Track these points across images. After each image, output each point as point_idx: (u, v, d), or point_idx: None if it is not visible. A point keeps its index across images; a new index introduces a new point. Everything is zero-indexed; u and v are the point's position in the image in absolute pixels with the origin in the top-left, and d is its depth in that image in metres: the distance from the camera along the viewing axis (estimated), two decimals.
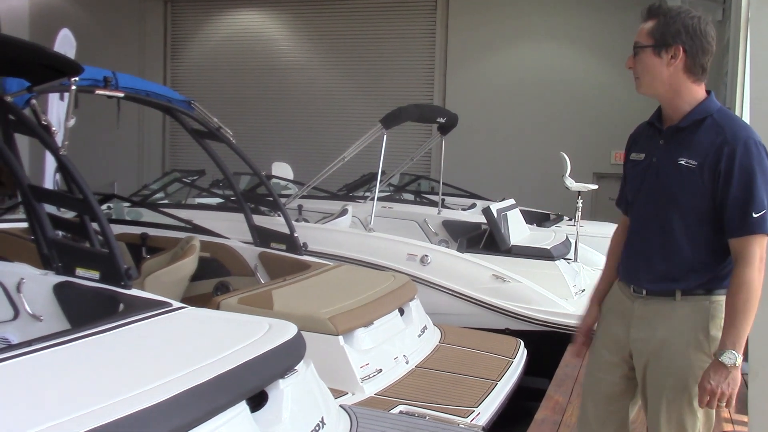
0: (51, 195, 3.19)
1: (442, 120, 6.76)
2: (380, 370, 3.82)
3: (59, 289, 3.11)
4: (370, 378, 3.74)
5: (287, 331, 2.64)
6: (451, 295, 5.48)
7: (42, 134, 3.14)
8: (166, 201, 7.44)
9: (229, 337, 2.56)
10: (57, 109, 6.66)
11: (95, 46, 11.93)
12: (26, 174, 3.25)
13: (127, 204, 6.18)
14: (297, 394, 2.47)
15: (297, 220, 7.53)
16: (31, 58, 2.90)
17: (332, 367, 3.67)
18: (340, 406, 2.91)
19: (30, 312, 3.18)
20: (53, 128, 3.66)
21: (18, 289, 3.20)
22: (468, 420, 3.45)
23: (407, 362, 4.11)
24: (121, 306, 2.93)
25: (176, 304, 2.96)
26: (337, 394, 3.59)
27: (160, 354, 2.39)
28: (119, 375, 2.15)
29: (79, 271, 3.16)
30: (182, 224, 5.51)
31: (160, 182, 8.15)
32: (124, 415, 1.78)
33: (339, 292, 4.33)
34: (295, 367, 2.52)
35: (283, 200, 6.22)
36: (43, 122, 3.57)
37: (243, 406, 2.21)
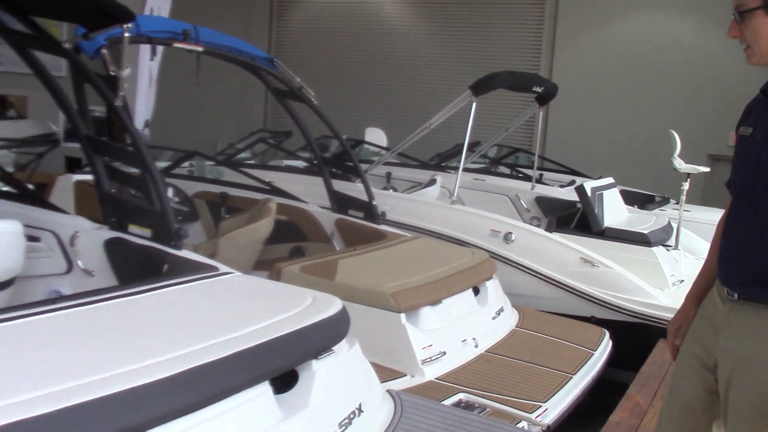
0: (106, 147, 3.08)
1: (538, 89, 6.34)
2: (444, 353, 3.57)
3: (110, 245, 3.02)
4: (432, 360, 3.50)
5: (330, 306, 2.42)
6: (535, 276, 5.14)
7: (97, 82, 3.03)
8: (252, 161, 7.38)
9: (265, 309, 2.37)
10: (147, 64, 6.68)
11: (199, 3, 11.98)
12: (86, 124, 3.17)
13: (210, 162, 6.14)
14: (332, 377, 2.25)
15: (385, 188, 7.37)
16: (85, 3, 2.78)
17: (392, 346, 3.47)
18: (388, 391, 2.69)
19: (82, 267, 3.11)
20: (122, 80, 3.56)
21: (72, 242, 3.14)
22: (533, 416, 3.15)
23: (476, 346, 3.84)
24: (166, 267, 2.81)
25: (223, 268, 2.80)
26: (395, 375, 3.39)
27: (188, 322, 2.23)
28: (136, 341, 2.00)
29: (132, 228, 3.06)
30: (261, 185, 5.41)
31: (246, 142, 8.10)
32: (116, 391, 1.61)
33: (410, 266, 4.10)
34: (333, 348, 2.31)
35: (366, 166, 6.03)
36: (111, 72, 3.47)
37: (265, 387, 2.01)
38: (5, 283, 3.00)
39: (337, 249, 4.92)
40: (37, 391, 1.56)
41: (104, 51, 3.59)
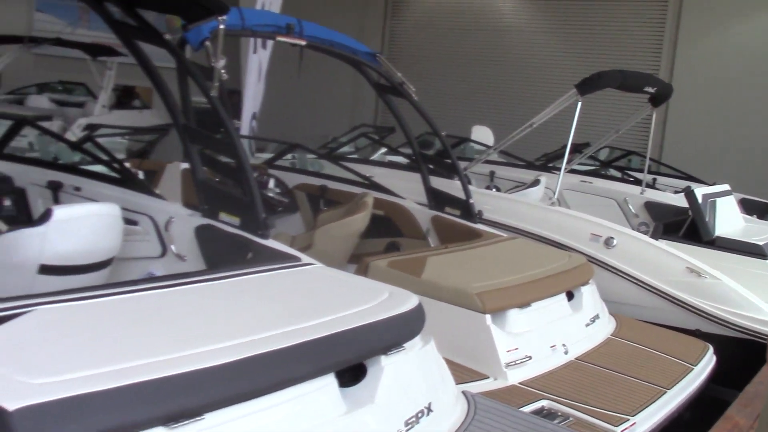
0: (201, 136, 3.16)
1: (651, 89, 6.06)
2: (530, 357, 3.46)
3: (201, 231, 3.11)
4: (516, 364, 3.40)
5: (405, 302, 2.40)
6: (636, 284, 4.92)
7: (194, 72, 3.13)
8: (355, 155, 7.44)
9: (339, 302, 2.37)
10: (258, 55, 6.85)
11: None
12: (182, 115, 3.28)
13: (312, 155, 6.23)
14: (401, 374, 2.22)
15: (488, 187, 7.28)
16: None
17: (475, 347, 3.40)
18: (463, 392, 2.63)
19: (175, 251, 3.22)
20: (222, 71, 3.66)
21: (167, 227, 3.25)
22: (618, 429, 3.01)
23: (566, 352, 3.70)
24: (250, 254, 2.86)
25: (305, 259, 2.83)
26: (477, 376, 3.32)
27: (261, 309, 2.26)
28: (209, 325, 2.04)
29: (222, 216, 3.13)
30: (360, 179, 5.44)
31: (348, 136, 8.17)
32: (175, 373, 1.64)
33: (501, 267, 4.01)
34: (404, 344, 2.28)
35: (465, 164, 5.96)
36: (212, 64, 3.57)
37: (330, 379, 2.01)
38: (104, 263, 3.15)
39: (432, 246, 4.88)
40: (103, 368, 1.61)
41: (208, 43, 3.68)
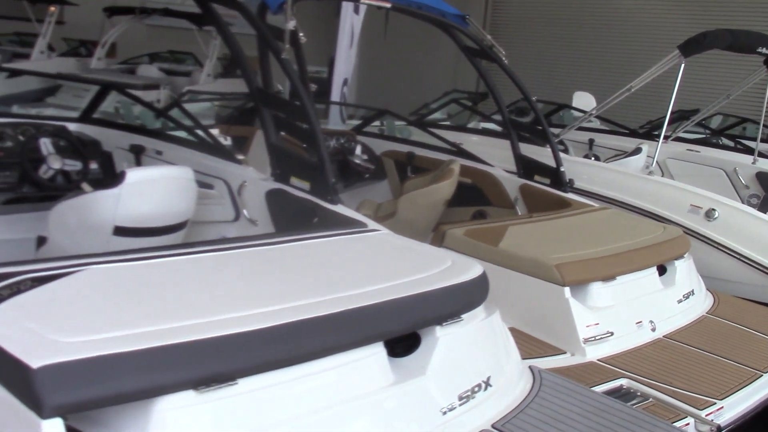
0: (273, 99, 3.14)
1: (765, 50, 5.59)
2: (611, 333, 3.28)
3: (270, 195, 3.10)
4: (596, 340, 3.23)
5: (466, 272, 2.29)
6: (738, 259, 4.59)
7: (266, 34, 3.10)
8: (447, 122, 7.28)
9: (398, 269, 2.30)
10: (351, 19, 6.78)
11: None
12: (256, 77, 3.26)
13: (401, 122, 6.13)
14: (457, 346, 2.13)
15: (586, 155, 7.00)
16: None
17: (552, 320, 3.26)
18: (530, 367, 2.51)
19: (247, 216, 3.23)
20: (301, 34, 3.63)
21: (239, 191, 3.26)
22: (702, 413, 2.81)
23: (653, 330, 3.49)
24: (315, 219, 2.82)
25: (372, 225, 2.77)
26: (553, 351, 3.18)
27: (315, 275, 2.21)
28: (258, 289, 2.02)
29: (293, 180, 3.10)
30: (448, 146, 5.32)
31: (439, 102, 7.99)
32: (206, 337, 1.61)
33: (588, 237, 3.83)
34: (462, 315, 2.18)
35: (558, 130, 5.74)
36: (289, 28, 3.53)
37: (378, 349, 1.94)
38: (177, 226, 3.19)
39: (520, 215, 4.72)
40: (138, 329, 1.60)
41: (286, 6, 3.64)
